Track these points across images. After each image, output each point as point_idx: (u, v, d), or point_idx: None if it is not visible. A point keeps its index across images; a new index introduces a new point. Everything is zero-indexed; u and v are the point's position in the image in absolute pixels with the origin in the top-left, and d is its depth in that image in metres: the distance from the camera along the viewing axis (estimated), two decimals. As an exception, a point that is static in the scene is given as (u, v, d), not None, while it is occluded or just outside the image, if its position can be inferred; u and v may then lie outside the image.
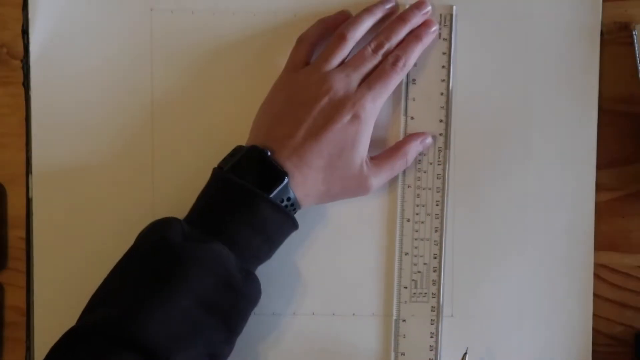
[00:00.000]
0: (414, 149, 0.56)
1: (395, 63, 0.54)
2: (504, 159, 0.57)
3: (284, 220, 0.51)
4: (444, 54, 0.57)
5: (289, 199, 0.51)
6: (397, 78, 0.54)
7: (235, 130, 0.56)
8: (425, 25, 0.55)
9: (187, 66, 0.57)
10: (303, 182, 0.52)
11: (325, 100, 0.52)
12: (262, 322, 0.57)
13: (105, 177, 0.57)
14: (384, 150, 0.56)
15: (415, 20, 0.55)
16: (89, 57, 0.57)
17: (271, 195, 0.50)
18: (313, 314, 0.58)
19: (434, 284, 0.57)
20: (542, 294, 0.57)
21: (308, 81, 0.53)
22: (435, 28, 0.56)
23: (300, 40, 0.56)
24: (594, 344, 0.57)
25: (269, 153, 0.51)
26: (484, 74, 0.57)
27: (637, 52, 0.56)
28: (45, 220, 0.57)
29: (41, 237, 0.57)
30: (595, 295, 0.57)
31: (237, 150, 0.53)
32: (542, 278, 0.57)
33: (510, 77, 0.57)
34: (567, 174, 0.57)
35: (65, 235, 0.57)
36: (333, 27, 0.55)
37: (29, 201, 0.57)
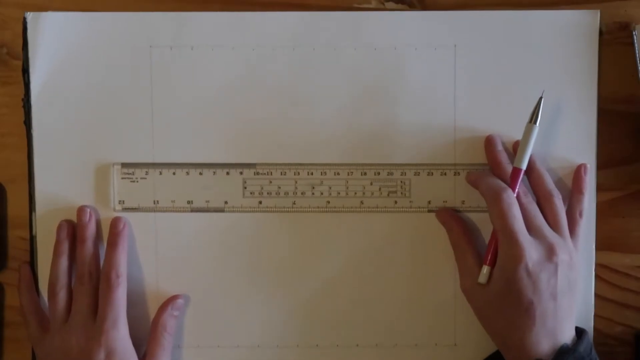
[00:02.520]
0: (168, 318, 0.56)
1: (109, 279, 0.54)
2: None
3: None
4: None
5: None
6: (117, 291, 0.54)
7: (234, 159, 0.57)
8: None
9: (187, 101, 0.57)
10: None
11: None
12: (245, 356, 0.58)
13: (105, 176, 0.57)
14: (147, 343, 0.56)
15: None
16: (88, 86, 0.57)
17: None
18: (297, 346, 0.58)
19: None
20: (542, 294, 0.57)
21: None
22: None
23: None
24: (594, 343, 0.57)
25: None
26: (483, 74, 0.57)
27: (637, 52, 0.56)
28: (46, 220, 0.57)
29: (42, 237, 0.57)
30: (596, 295, 0.57)
31: None
32: (542, 278, 0.57)
33: (510, 77, 0.57)
34: (567, 174, 0.57)
35: (66, 235, 0.57)
36: None
37: (29, 201, 0.57)
